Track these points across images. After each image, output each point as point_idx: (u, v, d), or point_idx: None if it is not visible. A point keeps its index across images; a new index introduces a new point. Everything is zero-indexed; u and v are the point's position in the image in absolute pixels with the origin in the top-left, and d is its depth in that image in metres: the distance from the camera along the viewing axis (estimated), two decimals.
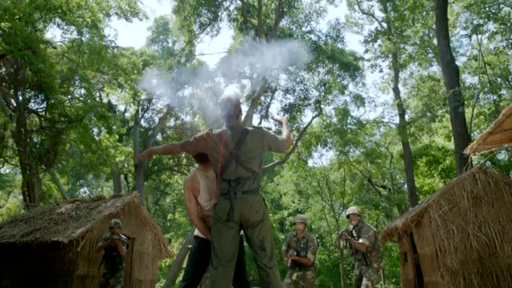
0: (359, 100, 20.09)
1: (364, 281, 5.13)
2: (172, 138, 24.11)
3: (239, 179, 2.63)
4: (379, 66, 19.97)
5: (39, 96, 14.47)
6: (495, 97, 14.67)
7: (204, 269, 3.01)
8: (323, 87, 19.37)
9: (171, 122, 23.64)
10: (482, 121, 18.31)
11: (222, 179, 2.66)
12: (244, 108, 18.98)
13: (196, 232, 3.07)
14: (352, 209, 5.64)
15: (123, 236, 6.79)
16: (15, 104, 14.03)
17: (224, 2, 19.15)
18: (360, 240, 5.23)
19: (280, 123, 3.31)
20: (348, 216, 5.66)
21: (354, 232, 5.48)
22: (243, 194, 2.61)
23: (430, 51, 19.00)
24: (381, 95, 38.25)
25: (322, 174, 23.87)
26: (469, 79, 20.49)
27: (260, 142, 2.75)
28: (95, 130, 16.40)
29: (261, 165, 2.81)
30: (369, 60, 20.87)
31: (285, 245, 5.66)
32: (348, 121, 19.01)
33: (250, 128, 2.81)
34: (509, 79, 16.59)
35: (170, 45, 24.09)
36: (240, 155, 2.67)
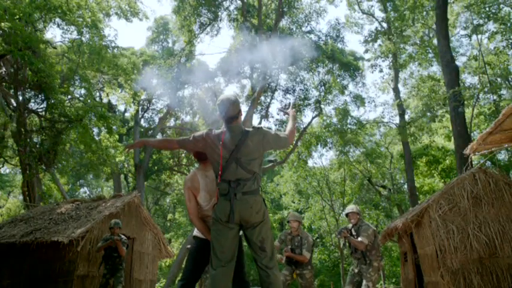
0: (359, 100, 20.09)
1: (365, 282, 5.07)
2: (173, 139, 24.03)
3: (239, 180, 2.60)
4: (379, 66, 20.00)
5: (39, 96, 14.46)
6: (495, 97, 14.68)
7: (202, 269, 3.01)
8: (323, 87, 19.38)
9: (171, 122, 23.65)
10: (482, 121, 18.31)
11: (221, 180, 2.64)
12: (244, 108, 19.00)
13: (196, 232, 3.07)
14: (351, 207, 5.57)
15: (123, 236, 6.77)
16: (15, 104, 14.04)
17: (224, 2, 19.16)
18: (359, 239, 5.17)
19: (287, 115, 3.22)
20: (347, 215, 5.58)
21: (353, 231, 5.42)
22: (243, 195, 2.58)
23: (430, 51, 19.00)
24: (380, 95, 38.29)
25: (322, 174, 23.88)
26: (469, 79, 20.53)
27: (260, 143, 2.71)
28: (95, 130, 16.41)
29: (261, 165, 2.79)
30: (369, 60, 20.90)
31: (277, 241, 5.62)
32: (348, 121, 19.02)
33: (250, 129, 2.77)
34: (509, 79, 16.59)
35: (170, 45, 24.09)
36: (240, 156, 2.63)
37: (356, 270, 5.33)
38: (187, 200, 2.99)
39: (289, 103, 3.49)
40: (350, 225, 5.54)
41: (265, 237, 2.65)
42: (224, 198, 2.62)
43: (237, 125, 2.77)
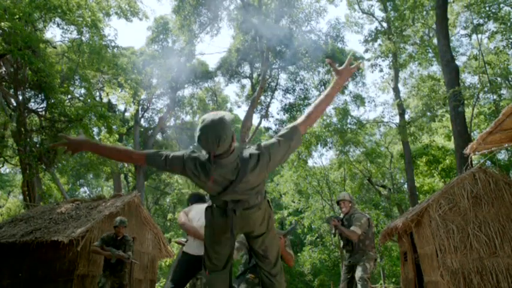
0: (359, 100, 20.12)
1: (360, 270, 4.45)
2: (172, 138, 24.09)
3: (239, 200, 2.23)
4: (379, 65, 19.98)
5: (39, 96, 14.46)
6: (495, 97, 14.67)
7: (190, 278, 3.07)
8: (323, 87, 19.39)
9: (171, 122, 23.67)
10: (482, 121, 18.31)
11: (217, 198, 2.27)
12: (244, 108, 18.99)
13: (186, 248, 3.07)
14: (343, 194, 4.98)
15: (129, 236, 6.15)
16: (15, 104, 14.03)
17: (224, 2, 19.17)
18: (351, 228, 4.60)
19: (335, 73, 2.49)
20: (338, 203, 5.01)
21: (344, 220, 4.86)
22: (243, 210, 2.24)
23: (430, 50, 19.01)
24: (380, 94, 38.49)
25: (322, 174, 23.87)
26: (469, 79, 20.53)
27: (265, 167, 2.16)
28: (95, 130, 16.39)
29: (265, 180, 2.45)
30: (369, 59, 20.88)
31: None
32: (348, 121, 19.03)
33: (248, 155, 2.15)
34: (509, 79, 16.59)
35: (170, 45, 24.09)
36: (238, 189, 2.17)
37: (347, 263, 4.80)
38: (179, 218, 3.22)
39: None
40: (342, 215, 4.99)
41: (268, 245, 2.44)
42: (221, 213, 2.26)
43: (230, 157, 2.11)
